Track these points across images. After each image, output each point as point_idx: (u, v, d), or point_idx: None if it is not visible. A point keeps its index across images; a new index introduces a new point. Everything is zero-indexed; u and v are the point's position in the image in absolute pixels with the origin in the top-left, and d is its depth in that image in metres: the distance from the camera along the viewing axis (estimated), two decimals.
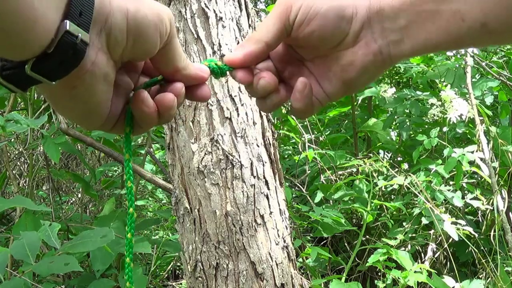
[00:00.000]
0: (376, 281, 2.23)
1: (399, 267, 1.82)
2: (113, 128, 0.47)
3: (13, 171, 2.64)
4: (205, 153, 1.27)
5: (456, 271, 1.98)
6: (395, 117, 2.63)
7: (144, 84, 0.48)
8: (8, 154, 2.71)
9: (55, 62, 0.36)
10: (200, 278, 1.28)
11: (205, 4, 1.31)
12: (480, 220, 2.35)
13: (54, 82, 0.37)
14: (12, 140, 2.78)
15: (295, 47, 0.51)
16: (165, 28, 0.42)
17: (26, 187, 2.68)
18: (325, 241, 2.55)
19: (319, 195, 2.29)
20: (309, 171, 2.55)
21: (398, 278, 1.74)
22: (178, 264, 2.63)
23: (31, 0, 0.32)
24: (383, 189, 2.38)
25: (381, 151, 2.91)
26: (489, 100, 2.52)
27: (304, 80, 0.50)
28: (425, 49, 0.47)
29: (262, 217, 1.28)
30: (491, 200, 2.11)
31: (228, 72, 0.51)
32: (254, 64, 0.51)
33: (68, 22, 0.35)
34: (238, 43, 1.33)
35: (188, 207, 1.30)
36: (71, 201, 3.30)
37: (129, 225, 0.49)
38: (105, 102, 0.43)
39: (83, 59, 0.37)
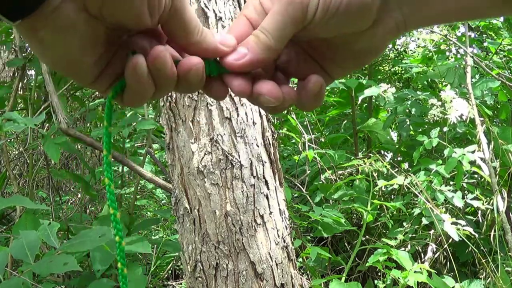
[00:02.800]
0: (376, 281, 2.23)
1: (399, 267, 1.82)
2: (107, 91, 0.43)
3: (13, 171, 2.64)
4: (205, 153, 1.27)
5: (456, 271, 1.98)
6: (395, 117, 2.63)
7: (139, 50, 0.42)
8: (8, 154, 2.71)
9: (10, 1, 0.33)
10: (200, 278, 1.28)
11: (204, 4, 1.31)
12: (480, 220, 2.35)
13: (14, 22, 0.35)
14: (12, 140, 2.78)
15: (302, 36, 0.44)
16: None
17: (26, 187, 2.68)
18: (325, 241, 2.55)
19: (319, 195, 2.29)
20: (309, 171, 2.55)
21: (398, 278, 1.74)
22: (178, 264, 2.63)
23: None
24: (383, 189, 2.38)
25: (381, 151, 2.91)
26: (489, 100, 2.53)
27: (319, 80, 0.44)
28: (441, 19, 0.45)
29: (262, 217, 1.28)
30: (491, 200, 2.11)
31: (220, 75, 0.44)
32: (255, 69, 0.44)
33: None
34: None
35: (188, 207, 1.30)
36: (71, 201, 3.31)
37: (115, 227, 0.45)
38: (81, 55, 0.39)
39: (41, 4, 0.34)
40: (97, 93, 3.23)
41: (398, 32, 0.44)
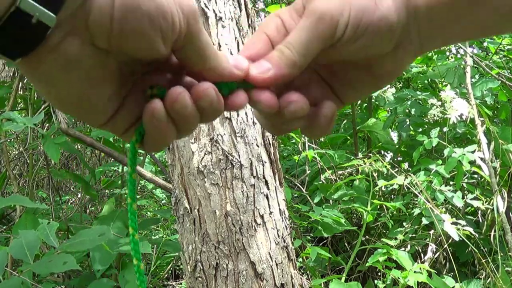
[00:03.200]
0: (376, 281, 2.23)
1: (399, 267, 1.82)
2: (125, 134, 0.40)
3: (13, 171, 2.64)
4: (205, 153, 1.27)
5: (456, 271, 1.98)
6: (395, 117, 2.63)
7: (158, 89, 0.39)
8: (8, 154, 2.71)
9: (7, 38, 0.31)
10: (200, 278, 1.28)
11: (204, 4, 1.31)
12: (480, 220, 2.35)
13: (14, 61, 0.32)
14: (12, 140, 2.78)
15: (321, 56, 0.42)
16: (170, 26, 0.35)
17: (26, 187, 2.68)
18: (325, 241, 2.55)
19: (319, 195, 2.29)
20: (309, 171, 2.55)
21: (398, 278, 1.74)
22: (178, 264, 2.63)
23: None
24: (383, 189, 2.38)
25: (381, 151, 2.91)
26: (489, 100, 2.53)
27: (333, 107, 0.43)
28: (457, 40, 0.45)
29: (262, 217, 1.28)
30: (491, 200, 2.11)
31: (245, 92, 0.41)
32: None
33: None
34: (237, 43, 1.33)
35: (188, 207, 1.30)
36: (71, 201, 3.31)
37: (131, 224, 0.42)
38: (90, 93, 0.36)
39: (42, 41, 0.32)
40: None
41: (415, 55, 0.44)
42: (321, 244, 2.55)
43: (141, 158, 2.36)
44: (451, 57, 2.92)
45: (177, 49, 0.37)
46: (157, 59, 0.38)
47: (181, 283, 2.63)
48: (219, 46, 1.30)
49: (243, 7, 1.39)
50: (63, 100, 0.36)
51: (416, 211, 2.14)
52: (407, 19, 0.41)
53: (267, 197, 1.30)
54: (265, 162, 1.32)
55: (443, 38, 0.44)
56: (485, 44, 2.91)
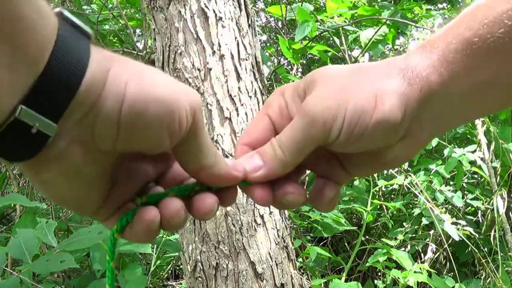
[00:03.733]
0: (376, 281, 2.23)
1: (399, 267, 1.82)
2: (108, 220, 0.39)
3: (13, 171, 2.64)
4: None
5: (456, 271, 1.98)
6: None
7: (148, 197, 0.38)
8: None
9: (6, 144, 0.30)
10: (200, 278, 1.28)
11: (204, 4, 1.31)
12: (480, 220, 2.35)
13: (12, 163, 0.31)
14: None
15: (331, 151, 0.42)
16: (177, 124, 0.34)
17: (26, 187, 2.68)
18: (325, 241, 2.55)
19: None
20: (309, 171, 2.55)
21: (398, 278, 1.74)
22: (179, 264, 2.63)
23: None
24: (383, 189, 2.38)
25: None
26: None
27: (336, 188, 0.43)
28: (461, 123, 0.45)
29: (262, 217, 1.28)
30: (491, 200, 2.11)
31: (239, 187, 0.42)
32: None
33: (21, 108, 0.29)
34: (237, 43, 1.33)
35: None
36: None
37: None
38: (86, 194, 0.36)
39: (42, 148, 0.31)
40: None
41: (424, 144, 0.42)
42: (321, 244, 2.55)
43: None
44: None
45: (178, 144, 0.36)
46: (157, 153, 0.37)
47: (181, 283, 2.63)
48: (219, 46, 1.30)
49: (243, 7, 1.39)
50: (58, 198, 0.36)
51: (416, 211, 2.14)
52: (417, 109, 0.39)
53: None
54: None
55: (449, 125, 0.42)
56: None
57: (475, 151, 2.12)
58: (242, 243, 1.25)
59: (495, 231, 2.04)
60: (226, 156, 1.27)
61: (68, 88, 0.29)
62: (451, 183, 2.25)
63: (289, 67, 3.38)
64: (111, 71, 0.31)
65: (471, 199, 2.24)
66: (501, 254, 1.98)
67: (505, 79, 0.38)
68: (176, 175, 0.41)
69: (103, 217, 0.39)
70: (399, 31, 2.77)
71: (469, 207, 2.43)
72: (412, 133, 0.40)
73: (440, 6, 3.54)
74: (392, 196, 2.54)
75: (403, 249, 2.11)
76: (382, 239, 2.16)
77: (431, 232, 2.24)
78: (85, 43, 0.31)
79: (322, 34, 2.69)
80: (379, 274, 2.36)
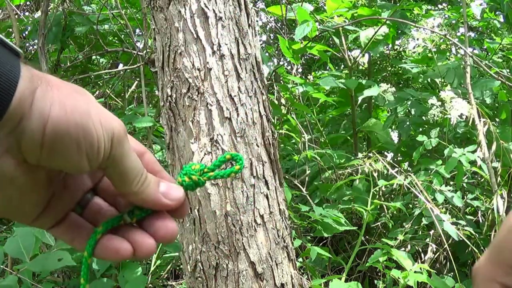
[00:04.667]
0: (376, 281, 2.23)
1: (399, 267, 1.82)
2: (53, 229, 0.41)
3: None
4: (205, 153, 1.27)
5: (456, 271, 1.98)
6: (395, 117, 2.63)
7: (103, 225, 0.41)
8: None
9: None
10: (199, 278, 1.28)
11: (204, 4, 1.31)
12: (480, 220, 2.35)
13: None
14: None
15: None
16: (95, 150, 0.36)
17: None
18: (325, 241, 2.55)
19: (319, 196, 2.29)
20: (309, 171, 2.55)
21: (398, 278, 1.74)
22: (179, 264, 2.63)
23: None
24: (383, 189, 2.38)
25: (382, 151, 2.91)
26: (489, 100, 2.53)
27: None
28: None
29: (262, 217, 1.28)
30: (491, 200, 2.11)
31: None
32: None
33: None
34: (237, 43, 1.33)
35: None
36: None
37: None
38: (20, 203, 0.37)
39: None
40: (97, 92, 3.23)
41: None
42: (321, 244, 2.55)
43: None
44: (452, 57, 2.92)
45: (101, 168, 0.38)
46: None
47: (181, 283, 2.63)
48: (219, 46, 1.30)
49: (243, 7, 1.39)
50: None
51: (416, 211, 2.14)
52: None
53: (267, 197, 1.30)
54: (265, 162, 1.32)
55: None
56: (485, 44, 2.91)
57: (475, 151, 2.12)
58: (242, 243, 1.25)
59: (495, 231, 2.03)
60: None
61: (2, 99, 0.32)
62: (451, 183, 2.25)
63: (289, 67, 3.38)
64: (39, 90, 0.34)
65: (471, 199, 2.24)
66: None
67: None
68: (111, 184, 0.42)
69: (45, 226, 0.41)
70: (399, 31, 2.77)
71: (469, 207, 2.43)
72: None
73: (440, 6, 3.54)
74: (392, 196, 2.54)
75: (403, 249, 2.11)
76: (382, 239, 2.16)
77: (431, 232, 2.23)
78: (15, 61, 0.33)
79: (322, 34, 2.68)
80: (379, 274, 2.36)
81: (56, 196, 0.40)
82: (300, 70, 3.96)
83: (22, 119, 0.33)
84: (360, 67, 3.53)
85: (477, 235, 2.13)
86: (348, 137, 3.02)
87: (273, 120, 1.46)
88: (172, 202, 0.42)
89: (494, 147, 2.10)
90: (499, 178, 2.15)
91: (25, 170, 0.36)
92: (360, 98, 2.62)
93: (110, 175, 0.39)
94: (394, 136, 3.07)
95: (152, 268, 2.18)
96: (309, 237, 2.50)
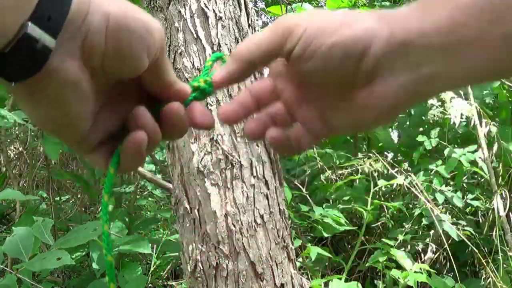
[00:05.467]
0: (376, 281, 2.23)
1: (399, 267, 1.82)
2: (92, 154, 0.42)
3: (13, 171, 2.64)
4: (205, 153, 1.27)
5: (456, 271, 1.98)
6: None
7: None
8: (8, 154, 2.71)
9: (10, 63, 0.33)
10: (199, 278, 1.28)
11: (204, 4, 1.31)
12: (480, 220, 2.35)
13: (13, 84, 0.34)
14: (13, 139, 2.78)
15: (299, 77, 0.43)
16: (153, 41, 0.38)
17: (26, 187, 2.68)
18: (325, 241, 2.55)
19: (319, 196, 2.29)
20: (309, 171, 2.55)
21: (398, 278, 1.74)
22: (179, 264, 2.63)
23: None
24: (383, 189, 2.38)
25: (382, 151, 2.91)
26: (488, 100, 2.53)
27: (312, 140, 0.45)
28: (462, 83, 0.40)
29: (262, 217, 1.28)
30: (492, 200, 2.11)
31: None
32: (237, 82, 0.45)
33: (30, 25, 0.32)
34: (237, 42, 1.33)
35: (188, 207, 1.30)
36: (71, 200, 3.31)
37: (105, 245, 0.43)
38: (77, 114, 0.38)
39: (44, 66, 0.34)
40: None
41: (404, 96, 0.39)
42: (321, 244, 2.55)
43: None
44: None
45: (151, 63, 0.40)
46: (132, 79, 0.40)
47: (181, 283, 2.63)
48: (219, 45, 1.30)
49: (243, 7, 1.39)
50: (48, 120, 0.38)
51: (417, 211, 2.14)
52: (386, 48, 0.37)
53: (267, 197, 1.30)
54: (265, 162, 1.32)
55: (444, 77, 0.38)
56: None
57: (475, 151, 2.12)
58: (242, 243, 1.25)
59: (495, 231, 2.03)
60: (226, 157, 1.27)
61: (62, 5, 0.33)
62: (451, 183, 2.25)
63: None
64: None
65: (471, 199, 2.24)
66: (501, 254, 1.98)
67: (491, 41, 0.35)
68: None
69: (86, 149, 0.41)
70: None
71: (469, 207, 2.43)
72: (381, 78, 0.39)
73: None
74: (392, 196, 2.54)
75: (403, 249, 2.11)
76: (382, 239, 2.16)
77: (431, 232, 2.23)
78: None
79: None
80: (379, 274, 2.36)
81: (104, 113, 0.41)
82: None
83: (84, 20, 0.34)
84: None
85: (477, 235, 2.13)
86: (348, 137, 3.02)
87: None
88: (189, 90, 0.45)
89: (495, 147, 2.10)
90: (500, 178, 2.15)
91: (87, 76, 0.37)
92: None
93: (157, 69, 0.41)
94: (394, 136, 3.07)
95: (152, 268, 2.18)
96: (309, 237, 2.50)
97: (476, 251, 2.01)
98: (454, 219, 1.98)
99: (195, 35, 1.30)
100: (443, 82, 0.39)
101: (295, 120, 0.45)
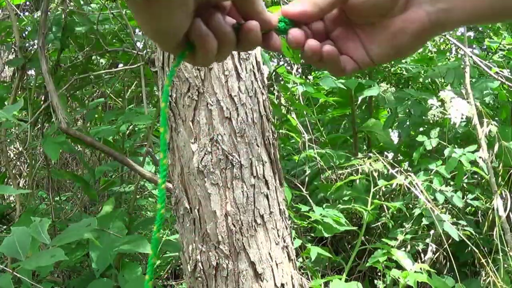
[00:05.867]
0: (376, 281, 2.23)
1: (399, 267, 1.82)
2: (176, 49, 0.50)
3: (13, 171, 2.64)
4: (205, 153, 1.27)
5: (456, 271, 1.98)
6: (395, 117, 2.63)
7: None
8: (8, 154, 2.71)
9: None
10: (200, 278, 1.28)
11: None
12: (480, 220, 2.35)
13: None
14: (13, 139, 2.78)
15: (347, 12, 0.53)
16: None
17: (26, 187, 2.68)
18: (325, 241, 2.55)
19: (319, 195, 2.29)
20: (309, 171, 2.55)
21: (398, 278, 1.74)
22: (179, 264, 2.63)
23: None
24: (383, 189, 2.38)
25: (382, 151, 2.91)
26: (488, 100, 2.52)
27: (355, 65, 0.54)
28: (474, 19, 0.50)
29: (262, 217, 1.28)
30: (492, 200, 2.11)
31: (277, 31, 0.53)
32: (304, 24, 0.53)
33: None
34: None
35: (188, 207, 1.30)
36: (71, 200, 3.31)
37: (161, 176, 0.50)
38: (179, 28, 0.46)
39: None
40: (96, 93, 3.23)
41: (430, 24, 0.51)
42: (321, 244, 2.55)
43: (141, 158, 2.35)
44: (452, 57, 2.92)
45: None
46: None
47: (181, 283, 2.63)
48: None
49: None
50: (157, 28, 0.45)
51: (417, 211, 2.14)
52: None
53: (267, 197, 1.30)
54: (265, 162, 1.32)
55: (458, 11, 0.50)
56: (484, 44, 2.91)
57: (475, 151, 2.11)
58: (242, 243, 1.25)
59: (495, 231, 2.03)
60: (226, 157, 1.27)
61: None
62: (451, 183, 2.25)
63: (289, 67, 3.38)
64: None
65: (471, 199, 2.24)
66: (502, 254, 1.98)
67: None
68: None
69: (175, 48, 0.49)
70: None
71: (469, 207, 2.43)
72: (414, 7, 0.51)
73: None
74: (392, 196, 2.53)
75: (403, 249, 2.11)
76: (382, 239, 2.16)
77: (431, 232, 2.23)
78: None
79: None
80: (379, 274, 2.36)
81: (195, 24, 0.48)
82: (300, 70, 3.96)
83: None
84: None
85: (477, 235, 2.13)
86: (348, 137, 3.02)
87: (273, 120, 1.46)
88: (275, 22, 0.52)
89: (496, 147, 2.10)
90: (500, 178, 2.15)
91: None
92: (360, 98, 2.62)
93: None
94: (394, 136, 3.07)
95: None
96: (309, 237, 2.50)
97: (476, 251, 2.01)
98: (454, 219, 1.98)
99: None
100: (457, 15, 0.50)
101: (342, 54, 0.54)
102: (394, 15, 0.51)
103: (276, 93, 2.57)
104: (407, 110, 2.54)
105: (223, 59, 0.52)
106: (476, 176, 2.41)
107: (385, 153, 2.97)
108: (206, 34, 0.47)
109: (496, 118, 2.73)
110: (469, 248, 2.07)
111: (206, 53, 0.49)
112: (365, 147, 3.06)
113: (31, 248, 1.31)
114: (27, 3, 3.12)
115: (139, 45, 2.37)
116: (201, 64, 0.51)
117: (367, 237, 2.36)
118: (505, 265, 1.99)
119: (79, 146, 2.70)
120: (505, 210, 2.02)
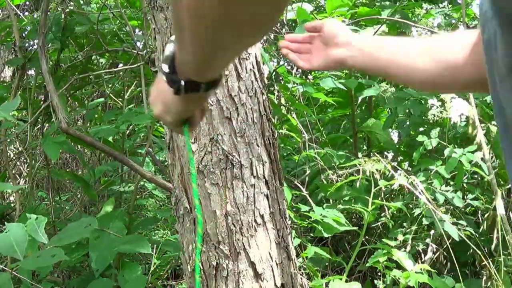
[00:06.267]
0: (376, 281, 2.23)
1: (399, 267, 1.81)
2: (179, 127, 0.77)
3: (13, 171, 2.64)
4: (205, 153, 1.27)
5: (456, 271, 1.98)
6: (395, 117, 2.63)
7: None
8: (8, 154, 2.70)
9: (196, 89, 0.62)
10: (200, 278, 1.28)
11: None
12: (480, 221, 2.34)
13: (179, 94, 0.63)
14: (13, 139, 2.78)
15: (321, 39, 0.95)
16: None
17: (26, 187, 2.68)
18: (325, 241, 2.54)
19: (319, 195, 2.29)
20: (309, 171, 2.55)
21: (399, 278, 1.74)
22: (179, 264, 2.63)
23: None
24: (383, 189, 2.38)
25: (382, 151, 2.91)
26: (488, 99, 2.52)
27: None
28: (371, 72, 0.76)
29: (262, 217, 1.28)
30: (492, 201, 2.10)
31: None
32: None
33: (206, 83, 0.62)
34: None
35: (188, 207, 1.30)
36: (71, 200, 3.30)
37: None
38: (192, 113, 0.74)
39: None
40: (96, 93, 3.22)
41: (341, 62, 0.92)
42: (321, 244, 2.55)
43: (141, 158, 2.35)
44: None
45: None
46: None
47: (181, 283, 2.63)
48: None
49: None
50: (178, 114, 0.72)
51: (417, 211, 2.13)
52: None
53: (267, 197, 1.30)
54: (265, 162, 1.32)
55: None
56: None
57: (475, 151, 2.11)
58: (242, 243, 1.25)
59: (495, 231, 2.03)
60: (227, 157, 1.27)
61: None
62: (451, 183, 2.24)
63: (290, 67, 3.37)
64: None
65: (471, 199, 2.24)
66: (503, 255, 1.98)
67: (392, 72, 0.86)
68: None
69: (178, 127, 0.76)
70: (399, 30, 2.76)
71: (469, 207, 2.43)
72: (340, 46, 0.91)
73: (441, 5, 3.53)
74: (392, 196, 2.53)
75: (403, 249, 2.11)
76: (382, 239, 2.16)
77: (432, 232, 2.23)
78: None
79: None
80: (379, 274, 2.36)
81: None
82: (300, 70, 3.96)
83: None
84: None
85: (477, 235, 2.12)
86: (348, 137, 3.02)
87: (273, 120, 1.45)
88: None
89: (488, 147, 2.09)
90: (500, 179, 2.15)
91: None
92: (360, 98, 2.62)
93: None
94: (394, 136, 3.07)
95: (152, 268, 2.18)
96: (309, 237, 2.50)
97: (477, 251, 2.01)
98: (454, 219, 1.98)
99: None
100: (358, 64, 0.91)
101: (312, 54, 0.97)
102: (331, 47, 0.91)
103: (276, 93, 2.57)
104: (407, 110, 2.53)
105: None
106: (476, 176, 2.41)
107: (385, 153, 2.97)
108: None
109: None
110: (470, 249, 2.07)
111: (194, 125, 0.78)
112: (365, 147, 3.06)
113: (30, 247, 1.31)
114: (27, 3, 3.12)
115: (139, 45, 2.37)
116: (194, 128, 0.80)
117: (367, 237, 2.36)
118: (505, 268, 1.99)
119: (79, 146, 2.70)
120: (505, 210, 2.02)
